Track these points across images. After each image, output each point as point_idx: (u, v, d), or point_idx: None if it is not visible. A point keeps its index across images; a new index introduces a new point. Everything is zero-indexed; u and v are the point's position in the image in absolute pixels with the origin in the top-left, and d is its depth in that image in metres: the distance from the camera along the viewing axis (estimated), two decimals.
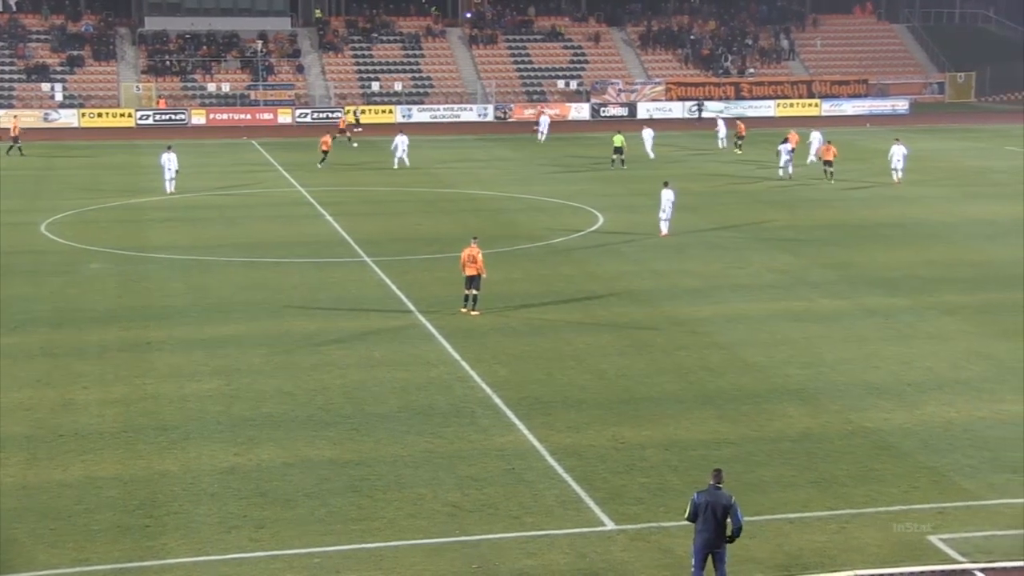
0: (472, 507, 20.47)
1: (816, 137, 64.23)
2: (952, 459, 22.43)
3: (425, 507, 20.49)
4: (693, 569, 17.28)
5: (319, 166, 62.53)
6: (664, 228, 43.71)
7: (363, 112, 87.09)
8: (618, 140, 63.22)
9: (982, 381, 26.92)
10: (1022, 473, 21.71)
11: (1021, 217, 47.76)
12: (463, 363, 28.40)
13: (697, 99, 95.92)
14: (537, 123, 78.26)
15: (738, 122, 73.99)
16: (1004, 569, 18.20)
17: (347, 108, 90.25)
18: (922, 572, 18.17)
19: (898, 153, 56.97)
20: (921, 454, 22.70)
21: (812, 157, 62.86)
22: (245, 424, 24.44)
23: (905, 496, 20.81)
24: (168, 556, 18.77)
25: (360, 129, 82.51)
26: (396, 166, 63.22)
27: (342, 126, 77.18)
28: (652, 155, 66.12)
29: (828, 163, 57.95)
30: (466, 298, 32.87)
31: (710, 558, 17.15)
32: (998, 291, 35.36)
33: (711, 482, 17.27)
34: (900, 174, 56.68)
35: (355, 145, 72.82)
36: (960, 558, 18.54)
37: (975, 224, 46.35)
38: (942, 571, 18.21)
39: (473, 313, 32.57)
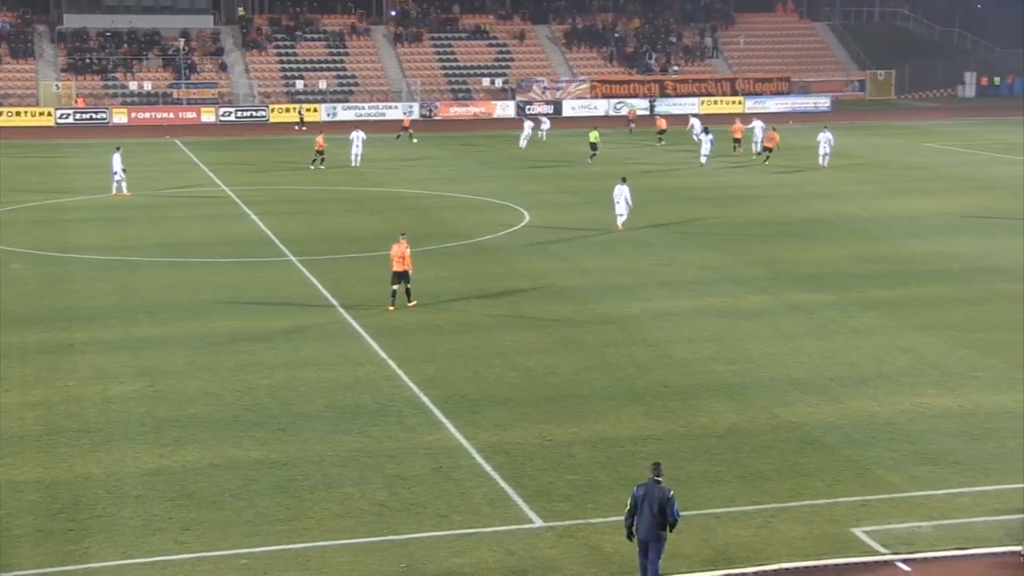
0: (400, 506, 20.39)
1: (758, 126, 68.25)
2: (875, 452, 22.70)
3: (353, 507, 20.38)
4: (639, 558, 17.47)
5: (314, 167, 61.60)
6: (620, 223, 44.33)
7: (308, 111, 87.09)
8: (593, 136, 64.93)
9: (903, 375, 27.29)
10: (943, 465, 22.04)
11: (940, 212, 48.60)
12: (390, 362, 28.29)
13: (621, 97, 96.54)
14: (537, 126, 75.44)
15: (659, 118, 77.26)
16: (925, 560, 18.45)
17: (266, 105, 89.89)
18: (846, 564, 18.36)
19: (823, 140, 61.44)
20: (845, 448, 22.95)
21: (758, 146, 66.61)
22: (170, 425, 24.15)
23: (829, 490, 21.01)
24: (91, 560, 18.50)
25: (304, 128, 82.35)
26: (354, 163, 62.74)
27: (406, 124, 77.69)
28: (523, 145, 71.30)
29: (767, 149, 62.76)
30: (393, 294, 32.88)
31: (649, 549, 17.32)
32: (919, 286, 35.90)
33: (650, 475, 17.40)
34: (826, 159, 61.31)
35: (415, 141, 74.58)
36: (883, 550, 18.77)
37: (896, 220, 47.01)
38: (865, 563, 18.42)
39: (411, 304, 32.87)
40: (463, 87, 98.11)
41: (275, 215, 48.11)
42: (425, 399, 25.72)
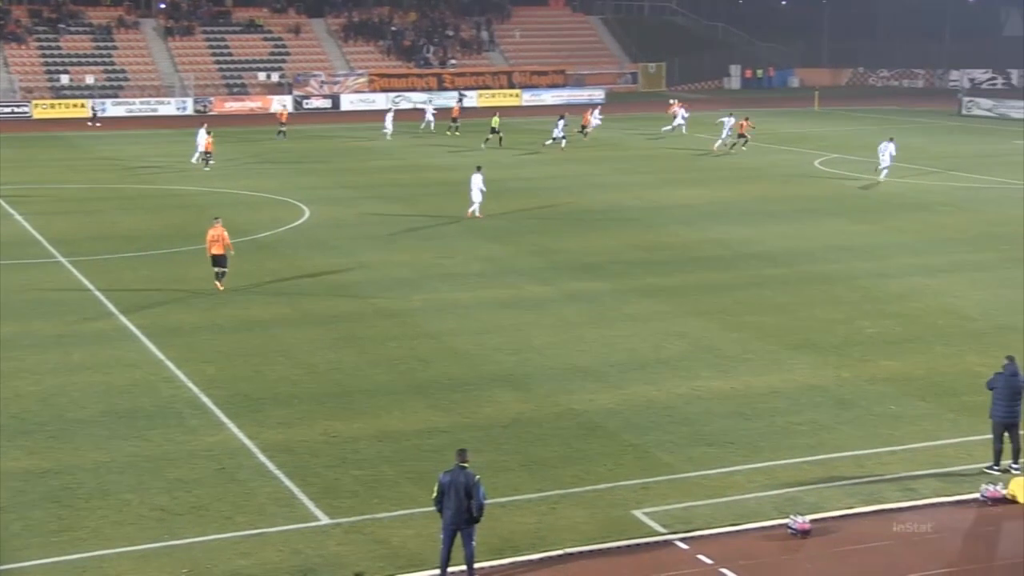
0: (182, 510, 19.91)
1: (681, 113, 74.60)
2: (654, 436, 23.26)
3: (132, 513, 19.79)
4: (441, 547, 17.48)
5: (208, 168, 58.57)
6: (477, 210, 45.44)
7: (75, 106, 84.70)
8: (495, 121, 69.17)
9: (680, 359, 28.05)
10: (717, 446, 22.75)
11: (710, 201, 50.19)
12: (168, 363, 27.58)
13: (400, 91, 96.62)
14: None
15: (456, 106, 78.84)
16: (702, 537, 19.00)
17: (28, 100, 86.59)
18: (628, 545, 18.76)
19: (678, 120, 68.03)
20: (625, 432, 23.44)
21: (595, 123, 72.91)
22: None
23: (611, 474, 21.42)
24: None
25: (99, 124, 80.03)
26: (195, 160, 60.62)
27: (455, 113, 76.40)
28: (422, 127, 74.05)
29: (742, 136, 65.86)
30: (217, 275, 33.91)
31: (458, 536, 17.35)
32: (693, 272, 36.97)
33: (456, 461, 17.50)
34: (722, 142, 67.19)
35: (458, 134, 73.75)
36: (662, 529, 19.25)
37: (669, 209, 48.30)
38: (646, 543, 18.84)
39: (220, 287, 33.86)
40: (238, 82, 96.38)
41: (42, 215, 46.29)
42: (206, 400, 25.17)
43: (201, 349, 28.73)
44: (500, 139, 68.58)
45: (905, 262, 38.13)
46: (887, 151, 54.59)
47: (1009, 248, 40.23)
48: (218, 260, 34.05)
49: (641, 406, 24.91)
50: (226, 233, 34.07)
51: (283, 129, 72.74)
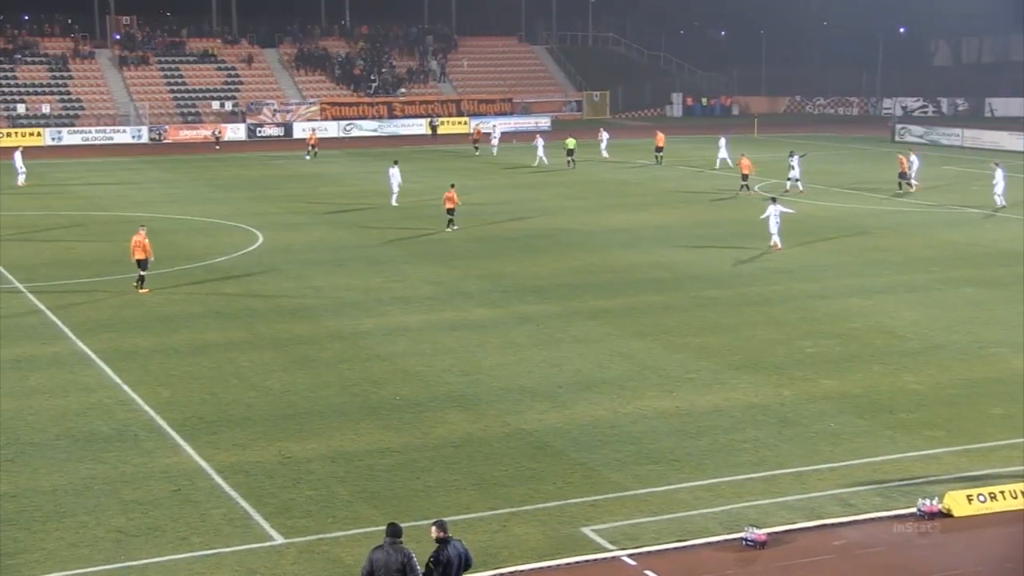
0: (138, 531, 20.15)
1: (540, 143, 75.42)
2: (601, 454, 23.69)
3: (88, 535, 20.00)
4: None
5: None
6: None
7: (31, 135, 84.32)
8: (571, 143, 72.90)
9: (625, 379, 28.56)
10: (663, 463, 23.19)
11: (651, 225, 50.96)
12: (124, 387, 27.87)
13: (351, 118, 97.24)
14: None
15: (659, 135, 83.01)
16: (649, 553, 19.42)
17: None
18: (577, 562, 19.14)
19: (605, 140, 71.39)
20: (573, 451, 23.87)
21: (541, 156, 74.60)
22: None
23: (560, 492, 21.77)
24: None
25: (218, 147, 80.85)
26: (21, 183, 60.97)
27: (477, 135, 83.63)
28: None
29: (744, 176, 60.64)
30: (138, 280, 37.22)
31: None
32: (635, 294, 37.56)
33: (387, 537, 15.92)
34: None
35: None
36: (610, 546, 19.56)
37: (612, 233, 49.02)
38: (595, 560, 19.24)
39: (143, 291, 36.69)
40: (192, 110, 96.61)
41: None
42: (162, 422, 25.48)
43: (156, 372, 29.05)
44: (574, 161, 72.73)
45: (841, 283, 38.93)
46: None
47: (938, 270, 41.19)
48: (140, 264, 37.29)
49: (588, 425, 25.32)
50: (147, 240, 37.40)
51: (315, 150, 77.53)
